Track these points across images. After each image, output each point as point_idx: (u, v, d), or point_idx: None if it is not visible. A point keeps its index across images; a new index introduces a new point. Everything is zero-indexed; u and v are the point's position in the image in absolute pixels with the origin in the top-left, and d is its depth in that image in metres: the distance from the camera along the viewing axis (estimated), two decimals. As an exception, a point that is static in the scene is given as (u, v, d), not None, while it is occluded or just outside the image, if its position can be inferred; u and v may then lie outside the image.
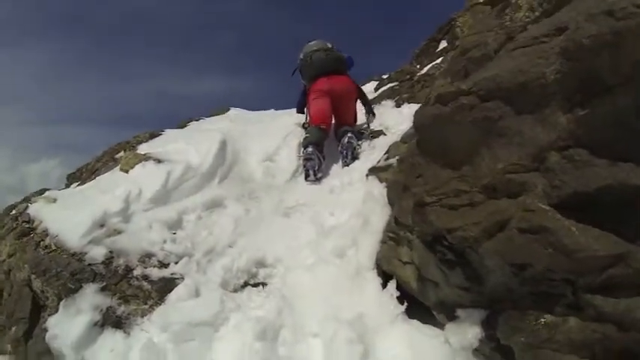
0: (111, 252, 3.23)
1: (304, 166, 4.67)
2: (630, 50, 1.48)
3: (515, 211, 1.85)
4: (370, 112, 5.65)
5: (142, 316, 2.86)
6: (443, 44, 7.97)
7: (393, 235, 2.83)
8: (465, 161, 2.20)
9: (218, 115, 7.34)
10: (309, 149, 4.63)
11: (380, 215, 3.11)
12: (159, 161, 4.32)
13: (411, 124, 4.21)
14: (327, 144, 5.05)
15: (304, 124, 5.26)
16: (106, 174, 4.81)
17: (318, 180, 4.57)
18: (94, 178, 5.07)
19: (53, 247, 3.33)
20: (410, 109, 5.18)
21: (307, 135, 4.89)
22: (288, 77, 5.93)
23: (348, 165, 4.67)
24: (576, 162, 1.68)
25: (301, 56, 5.71)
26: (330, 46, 5.74)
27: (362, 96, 5.74)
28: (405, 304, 2.55)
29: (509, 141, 1.97)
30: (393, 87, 7.05)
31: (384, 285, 2.74)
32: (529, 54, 1.96)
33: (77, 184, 5.67)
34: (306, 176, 4.62)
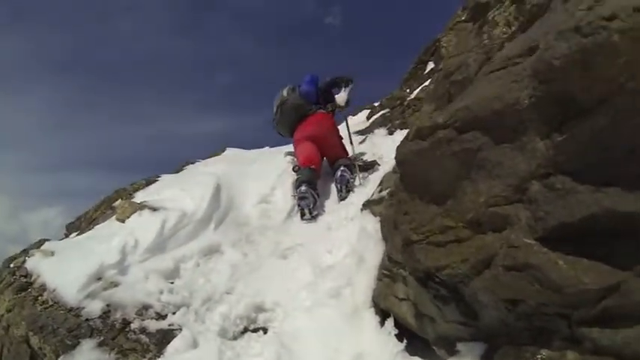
0: (108, 305, 3.21)
1: (299, 206, 4.66)
2: (601, 68, 1.41)
3: (499, 247, 1.81)
4: (345, 83, 5.76)
5: (141, 370, 2.82)
6: (430, 66, 8.01)
7: (388, 272, 2.79)
8: (448, 196, 2.16)
9: (214, 156, 7.37)
10: (303, 188, 4.64)
11: (374, 252, 3.09)
12: (154, 209, 4.30)
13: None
14: (321, 181, 5.08)
15: (294, 167, 5.26)
16: (104, 223, 4.81)
17: (314, 218, 4.56)
18: (92, 227, 5.07)
19: (50, 303, 3.32)
20: (402, 136, 5.22)
21: (299, 176, 4.90)
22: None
23: (343, 199, 4.69)
24: (559, 190, 1.63)
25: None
26: (285, 94, 5.77)
27: (331, 85, 5.83)
28: (405, 340, 2.51)
29: (489, 173, 1.93)
30: (384, 114, 7.10)
31: (382, 323, 2.71)
32: (503, 77, 1.93)
33: (76, 233, 5.66)
34: (302, 215, 4.62)
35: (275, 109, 5.78)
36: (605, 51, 1.38)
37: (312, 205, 4.61)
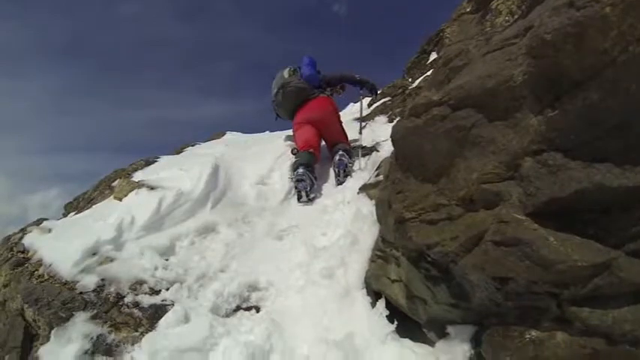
0: (102, 280, 3.22)
1: (296, 188, 4.67)
2: (594, 41, 1.42)
3: (490, 223, 1.81)
4: (365, 85, 5.84)
5: (133, 344, 2.83)
6: (433, 56, 7.98)
7: (381, 253, 2.81)
8: (442, 174, 2.16)
9: (214, 139, 7.39)
10: (300, 170, 4.64)
11: (368, 234, 3.11)
12: (152, 188, 4.32)
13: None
14: (320, 165, 5.10)
15: (293, 150, 5.28)
16: (101, 202, 4.84)
17: (310, 201, 4.58)
18: (91, 206, 5.10)
19: (46, 277, 3.34)
20: None
21: (297, 159, 4.92)
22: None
23: (341, 183, 4.70)
24: (550, 167, 1.63)
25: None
26: (287, 75, 5.73)
27: (340, 80, 5.91)
28: (396, 322, 2.51)
29: (482, 150, 1.93)
30: (385, 102, 7.09)
31: (374, 304, 2.72)
32: (498, 57, 1.94)
33: (74, 213, 5.68)
34: (299, 198, 4.63)
35: (275, 91, 5.71)
36: (597, 23, 1.39)
37: (309, 188, 4.62)
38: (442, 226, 2.07)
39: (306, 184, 4.61)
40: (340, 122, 5.60)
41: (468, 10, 6.69)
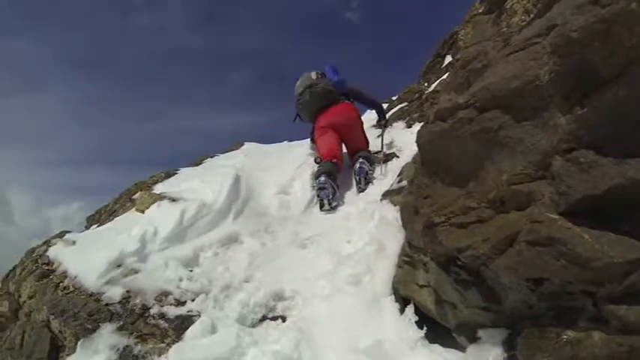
0: (128, 291, 3.22)
1: (318, 196, 4.64)
2: (621, 37, 1.42)
3: (523, 224, 1.78)
4: (381, 114, 5.83)
5: (159, 355, 2.82)
6: (448, 59, 7.85)
7: (408, 258, 2.78)
8: (470, 177, 2.15)
9: (233, 150, 7.41)
10: (322, 178, 4.61)
11: (394, 239, 3.07)
12: (173, 200, 4.33)
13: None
14: (341, 173, 5.06)
15: (316, 159, 5.24)
16: (123, 215, 4.86)
17: (333, 209, 4.54)
18: (112, 219, 5.12)
19: (71, 289, 3.35)
20: None
21: (320, 167, 4.89)
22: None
23: (363, 190, 4.67)
24: (582, 164, 1.61)
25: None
26: (314, 77, 5.71)
27: (376, 108, 5.90)
28: (425, 328, 2.48)
29: (511, 151, 1.93)
30: (402, 107, 7.02)
31: (402, 310, 2.68)
32: (522, 57, 1.93)
33: (96, 225, 5.74)
34: (321, 206, 4.60)
35: (301, 90, 5.62)
36: (624, 20, 1.39)
37: (331, 196, 4.58)
38: (472, 229, 2.05)
39: (328, 192, 4.58)
40: (363, 129, 5.57)
41: (481, 10, 6.62)
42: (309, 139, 6.10)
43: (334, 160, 5.00)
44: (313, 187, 4.84)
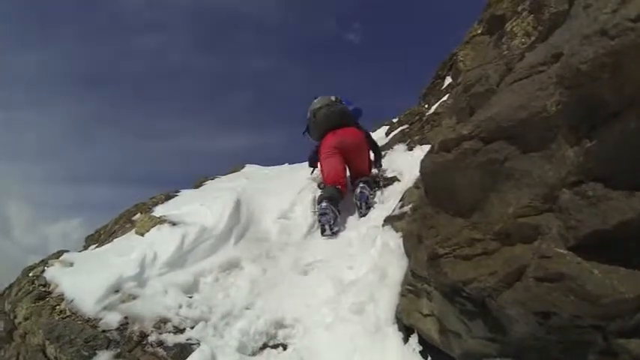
0: (125, 318, 3.17)
1: (320, 222, 4.62)
2: (631, 69, 1.38)
3: (530, 258, 1.76)
4: (378, 164, 5.68)
5: (157, 385, 2.76)
6: (448, 80, 7.88)
7: (412, 287, 2.74)
8: (475, 208, 2.12)
9: (234, 172, 7.41)
10: (324, 204, 4.61)
11: (397, 267, 3.04)
12: (174, 224, 4.30)
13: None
14: (344, 198, 5.04)
15: (319, 184, 5.29)
16: (123, 236, 4.83)
17: (334, 234, 4.51)
18: (111, 240, 5.09)
19: (68, 313, 3.30)
20: (422, 151, 5.21)
21: (323, 192, 4.92)
22: (301, 133, 6.00)
23: (364, 215, 4.66)
24: (590, 198, 1.58)
25: (309, 114, 5.82)
26: (333, 99, 5.82)
27: (373, 145, 5.77)
28: (429, 357, 2.46)
29: (517, 183, 1.90)
30: (403, 130, 7.03)
31: (406, 339, 2.64)
32: (527, 86, 1.92)
33: (95, 246, 5.70)
34: (322, 231, 4.57)
35: (319, 106, 5.70)
36: (634, 52, 1.35)
37: (332, 222, 4.56)
38: (478, 261, 2.03)
39: (329, 217, 4.56)
40: (369, 155, 5.58)
41: (480, 31, 6.65)
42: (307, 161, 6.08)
43: (338, 187, 5.02)
44: (314, 212, 4.83)
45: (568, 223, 1.64)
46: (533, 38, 2.38)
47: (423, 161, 2.54)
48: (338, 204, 4.79)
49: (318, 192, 5.06)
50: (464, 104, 2.72)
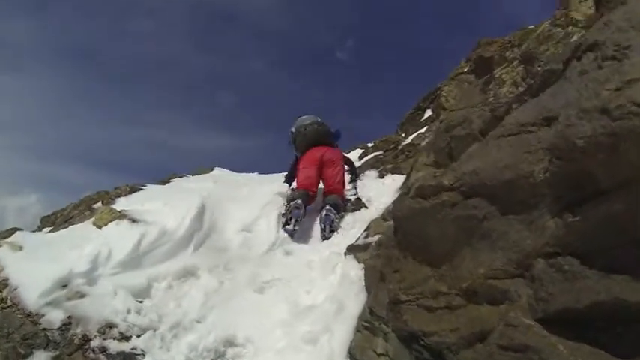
0: (69, 317, 3.02)
1: (289, 213, 4.84)
2: (628, 153, 1.34)
3: (496, 323, 1.73)
4: (355, 184, 5.84)
5: (93, 397, 2.62)
6: (428, 113, 8.03)
7: (368, 324, 2.68)
8: (445, 260, 2.10)
9: (202, 174, 7.29)
10: (299, 201, 4.91)
11: (355, 300, 3.00)
12: (134, 221, 4.15)
13: (392, 198, 4.15)
14: (307, 217, 5.06)
15: (292, 188, 5.53)
16: (79, 225, 4.69)
17: (294, 232, 4.76)
18: (67, 226, 4.95)
19: (9, 303, 3.14)
20: (393, 181, 5.30)
21: (294, 193, 5.19)
22: (275, 143, 6.37)
23: (327, 239, 4.65)
24: (566, 272, 1.56)
25: (293, 129, 6.11)
26: (319, 120, 6.16)
27: (350, 165, 6.06)
28: (379, 398, 2.39)
29: (492, 244, 1.88)
30: (377, 156, 7.08)
31: (357, 377, 2.58)
32: (515, 145, 1.90)
33: (50, 228, 5.52)
34: (286, 223, 4.75)
35: (309, 122, 6.06)
36: (634, 137, 1.31)
37: (300, 219, 4.80)
38: (441, 315, 2.00)
39: (300, 213, 4.84)
40: (344, 175, 5.72)
41: (466, 70, 6.80)
42: (282, 173, 6.32)
43: (309, 193, 5.25)
44: (285, 205, 5.08)
45: (539, 294, 1.63)
46: (521, 89, 2.39)
47: (397, 203, 2.53)
48: (306, 209, 4.99)
49: (283, 209, 5.10)
50: (444, 144, 2.71)
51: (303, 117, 6.28)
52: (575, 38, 2.49)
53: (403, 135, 8.03)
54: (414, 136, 7.13)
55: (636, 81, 1.35)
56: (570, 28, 2.54)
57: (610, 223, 1.46)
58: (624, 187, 1.40)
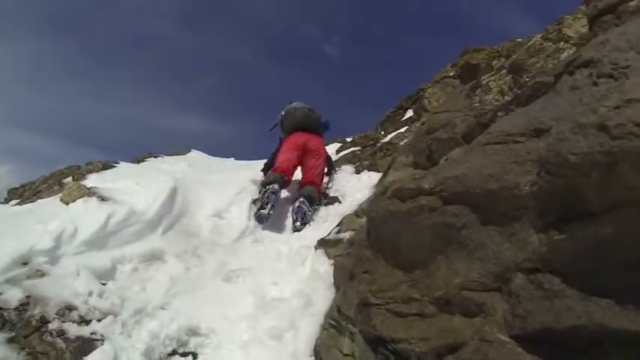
0: (28, 297, 2.91)
1: (266, 197, 4.81)
2: (625, 175, 1.28)
3: (469, 337, 1.68)
4: (330, 178, 5.91)
5: (48, 381, 2.53)
6: (409, 113, 8.10)
7: (335, 323, 2.65)
8: (418, 266, 2.05)
9: (178, 155, 7.22)
10: (276, 186, 4.92)
11: (323, 297, 2.98)
12: (102, 199, 4.04)
13: (367, 195, 4.14)
14: (280, 206, 5.04)
15: (268, 172, 5.52)
16: (47, 200, 4.59)
17: (269, 216, 4.73)
18: (35, 200, 4.87)
19: (-35, 278, 2.99)
20: (369, 177, 5.30)
21: (270, 177, 5.15)
22: (254, 131, 6.28)
23: (298, 230, 4.63)
24: (546, 290, 1.51)
25: (283, 112, 6.12)
26: (309, 107, 6.19)
27: (327, 159, 5.98)
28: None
29: (470, 254, 1.83)
30: (354, 151, 7.10)
31: (321, 375, 2.54)
32: (501, 154, 1.85)
33: (17, 201, 5.38)
34: (261, 207, 4.71)
35: (300, 107, 6.10)
36: (633, 159, 1.26)
37: (274, 204, 4.78)
38: (411, 322, 1.95)
39: (275, 198, 4.84)
40: (324, 166, 5.73)
41: (451, 74, 6.85)
42: (259, 161, 6.36)
43: (285, 177, 5.21)
44: (260, 190, 5.07)
45: (516, 310, 1.58)
46: (507, 98, 2.36)
47: (371, 203, 2.48)
48: (280, 192, 5.02)
49: (258, 193, 5.10)
50: (424, 146, 2.67)
51: (295, 103, 6.29)
52: (565, 54, 2.48)
53: (382, 133, 8.08)
54: (393, 134, 7.18)
55: (637, 101, 1.31)
56: (562, 43, 2.54)
57: (598, 246, 1.41)
58: (615, 209, 1.35)
